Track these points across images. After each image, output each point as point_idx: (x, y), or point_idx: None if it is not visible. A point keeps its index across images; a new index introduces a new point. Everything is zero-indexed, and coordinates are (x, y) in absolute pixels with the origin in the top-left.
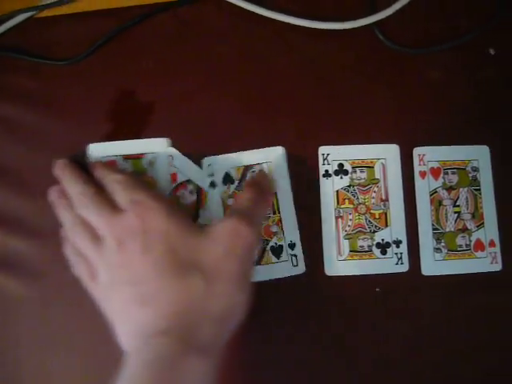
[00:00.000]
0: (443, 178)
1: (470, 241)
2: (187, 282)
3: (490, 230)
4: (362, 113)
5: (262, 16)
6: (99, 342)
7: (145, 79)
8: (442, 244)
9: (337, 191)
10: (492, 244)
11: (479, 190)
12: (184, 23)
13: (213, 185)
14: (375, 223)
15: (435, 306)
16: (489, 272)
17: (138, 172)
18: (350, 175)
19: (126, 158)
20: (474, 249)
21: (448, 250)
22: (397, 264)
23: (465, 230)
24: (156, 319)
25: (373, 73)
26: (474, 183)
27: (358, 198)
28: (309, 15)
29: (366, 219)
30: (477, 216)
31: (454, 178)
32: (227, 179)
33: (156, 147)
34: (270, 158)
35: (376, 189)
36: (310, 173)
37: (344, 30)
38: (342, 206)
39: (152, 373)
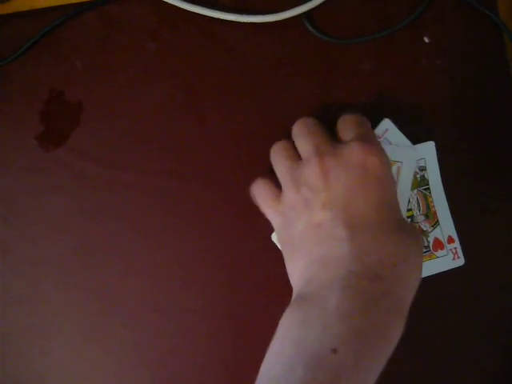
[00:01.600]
0: None
1: (428, 242)
2: (407, 238)
3: (446, 227)
4: (294, 108)
5: (188, 11)
6: None
7: (75, 79)
8: None
9: None
10: (451, 240)
11: (428, 189)
12: (111, 21)
13: None
14: None
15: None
16: (453, 269)
17: None
18: None
19: None
20: (434, 248)
21: None
22: None
23: (420, 232)
24: (370, 262)
25: (304, 66)
26: (423, 183)
27: None
28: (238, 9)
29: None
30: (430, 216)
31: None
32: None
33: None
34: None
35: None
36: None
37: (273, 22)
38: None
39: (361, 314)
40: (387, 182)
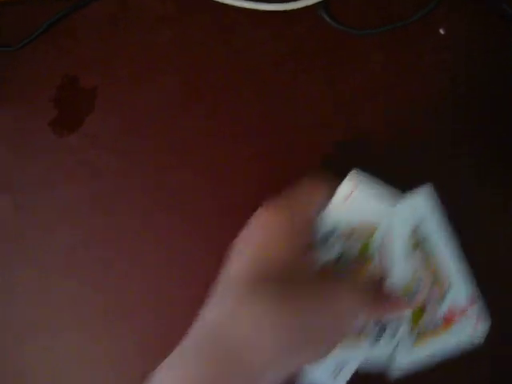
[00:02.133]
0: None
1: (442, 311)
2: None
3: (462, 289)
4: (297, 104)
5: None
6: None
7: (88, 65)
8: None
9: None
10: (469, 302)
11: (430, 248)
12: (127, 7)
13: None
14: None
15: None
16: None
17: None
18: None
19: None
20: (446, 321)
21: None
22: None
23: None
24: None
25: (315, 56)
26: (422, 242)
27: None
28: None
29: None
30: (439, 280)
31: None
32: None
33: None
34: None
35: None
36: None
37: (283, 12)
38: None
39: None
40: (272, 231)
